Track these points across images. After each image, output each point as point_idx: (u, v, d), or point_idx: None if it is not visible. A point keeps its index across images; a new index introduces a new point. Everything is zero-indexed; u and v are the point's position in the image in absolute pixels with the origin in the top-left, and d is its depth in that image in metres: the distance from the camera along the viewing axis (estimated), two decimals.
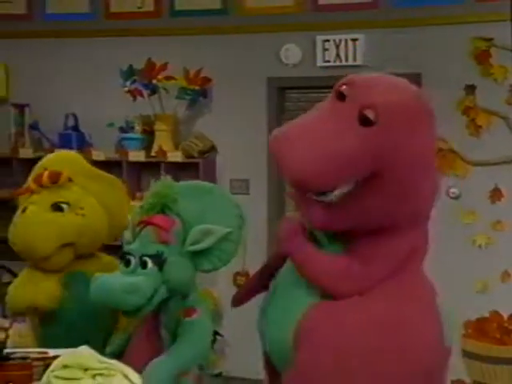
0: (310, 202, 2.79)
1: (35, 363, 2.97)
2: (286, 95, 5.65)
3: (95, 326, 3.37)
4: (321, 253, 2.87)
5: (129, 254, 3.00)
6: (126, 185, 5.48)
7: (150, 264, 2.96)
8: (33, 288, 3.47)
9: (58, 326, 3.43)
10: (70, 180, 3.47)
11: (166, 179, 3.18)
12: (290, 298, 2.93)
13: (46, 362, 2.98)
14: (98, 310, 3.34)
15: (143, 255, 2.96)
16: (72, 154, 3.81)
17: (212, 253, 3.01)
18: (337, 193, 2.73)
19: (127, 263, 3.00)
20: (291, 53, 5.39)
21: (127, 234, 3.13)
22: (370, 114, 2.64)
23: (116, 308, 3.05)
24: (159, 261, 2.96)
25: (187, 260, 3.01)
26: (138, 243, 3.02)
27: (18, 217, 3.51)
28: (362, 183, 2.70)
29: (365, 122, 2.65)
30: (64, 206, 3.43)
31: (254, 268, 3.31)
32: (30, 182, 3.56)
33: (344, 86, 2.75)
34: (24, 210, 3.47)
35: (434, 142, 2.91)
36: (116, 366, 2.80)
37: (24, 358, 3.00)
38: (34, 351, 3.08)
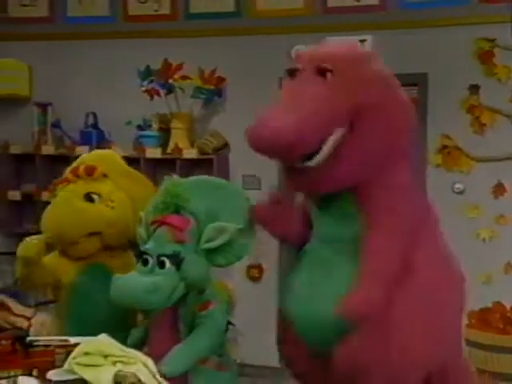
0: (296, 169, 2.79)
1: (57, 350, 3.01)
2: None
3: (114, 318, 3.40)
4: None
5: (146, 253, 3.00)
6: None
7: (167, 264, 2.95)
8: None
9: (77, 317, 3.47)
10: (104, 175, 3.52)
11: (174, 178, 3.17)
12: (329, 274, 2.88)
13: (68, 349, 3.01)
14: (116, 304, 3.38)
15: (160, 255, 2.96)
16: (108, 152, 3.86)
17: (226, 249, 3.00)
18: (321, 155, 2.70)
19: (145, 262, 3.00)
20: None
21: (141, 232, 3.13)
22: (326, 65, 2.69)
23: (138, 308, 3.07)
24: (176, 260, 2.95)
25: (202, 257, 3.00)
26: (154, 243, 3.02)
27: (52, 202, 3.56)
28: (340, 142, 2.69)
29: (323, 74, 2.69)
30: (95, 196, 3.47)
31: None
32: (67, 173, 3.62)
33: (294, 64, 2.81)
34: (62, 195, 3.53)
35: (394, 84, 2.84)
36: (135, 355, 2.83)
37: (46, 346, 3.04)
38: (56, 339, 3.11)
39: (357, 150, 2.71)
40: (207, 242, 2.98)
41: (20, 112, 6.00)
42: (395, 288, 2.76)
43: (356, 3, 5.26)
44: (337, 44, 2.89)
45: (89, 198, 3.46)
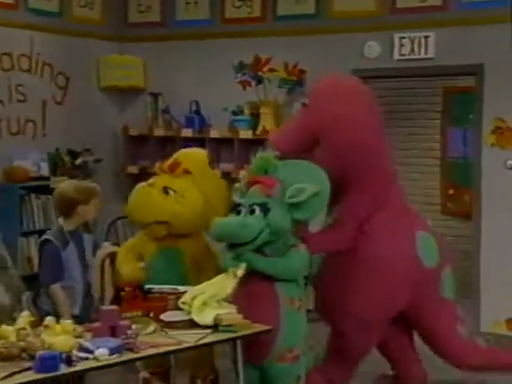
0: None
1: (169, 297, 3.10)
2: (368, 84, 5.55)
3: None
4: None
5: (240, 205, 3.16)
6: (236, 158, 5.62)
7: (257, 211, 3.09)
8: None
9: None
10: (186, 172, 3.54)
11: (269, 152, 3.28)
12: None
13: (177, 295, 3.10)
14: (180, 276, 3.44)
15: (252, 204, 3.11)
16: (200, 153, 3.83)
17: (305, 206, 3.10)
18: None
19: (238, 213, 3.15)
20: (372, 48, 5.29)
21: (235, 197, 3.26)
22: (305, 100, 3.56)
23: (231, 240, 3.13)
24: (264, 208, 3.09)
25: (285, 211, 3.11)
26: (247, 197, 3.16)
27: (137, 186, 3.64)
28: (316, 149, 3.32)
29: (304, 105, 3.55)
30: (171, 191, 3.50)
31: None
32: (158, 165, 3.69)
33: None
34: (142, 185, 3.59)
35: (357, 110, 3.37)
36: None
37: (160, 293, 3.13)
38: (168, 287, 3.20)
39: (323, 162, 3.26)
40: (290, 197, 3.08)
41: (136, 101, 6.11)
42: None
43: (421, 4, 5.11)
44: (325, 80, 3.54)
45: (165, 191, 3.50)
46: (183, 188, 3.52)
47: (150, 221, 3.48)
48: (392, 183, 3.53)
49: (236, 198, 3.25)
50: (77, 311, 3.27)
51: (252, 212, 3.10)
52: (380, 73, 5.36)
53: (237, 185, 3.35)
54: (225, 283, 3.06)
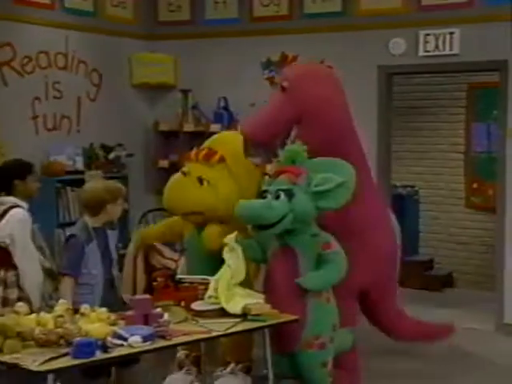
0: None
1: (199, 287, 3.13)
2: (393, 79, 5.53)
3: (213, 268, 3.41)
4: None
5: (266, 191, 3.21)
6: (263, 152, 5.59)
7: (282, 196, 3.14)
8: None
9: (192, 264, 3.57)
10: (222, 160, 3.51)
11: (298, 144, 3.29)
12: None
13: (207, 286, 3.13)
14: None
15: (277, 190, 3.16)
16: (234, 137, 3.74)
17: (329, 195, 3.14)
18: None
19: (264, 198, 3.19)
20: (398, 45, 5.25)
21: (263, 186, 3.31)
22: (284, 83, 3.47)
23: (255, 221, 3.16)
24: (289, 194, 3.14)
25: (310, 198, 3.15)
26: (274, 184, 3.22)
27: (172, 177, 3.64)
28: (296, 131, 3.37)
29: (283, 89, 3.45)
30: (205, 182, 3.48)
31: None
32: (193, 152, 3.66)
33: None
34: (177, 173, 3.60)
35: (334, 91, 3.62)
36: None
37: (191, 283, 3.16)
38: (198, 277, 3.23)
39: (306, 139, 3.28)
40: (316, 186, 3.13)
41: (167, 97, 6.13)
42: None
43: (446, 1, 5.05)
44: (301, 66, 3.74)
45: (200, 181, 3.48)
46: (217, 178, 3.49)
47: (186, 211, 3.51)
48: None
49: (263, 187, 3.30)
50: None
51: (277, 197, 3.13)
52: (405, 69, 5.33)
53: (267, 177, 3.40)
54: (232, 264, 3.12)
